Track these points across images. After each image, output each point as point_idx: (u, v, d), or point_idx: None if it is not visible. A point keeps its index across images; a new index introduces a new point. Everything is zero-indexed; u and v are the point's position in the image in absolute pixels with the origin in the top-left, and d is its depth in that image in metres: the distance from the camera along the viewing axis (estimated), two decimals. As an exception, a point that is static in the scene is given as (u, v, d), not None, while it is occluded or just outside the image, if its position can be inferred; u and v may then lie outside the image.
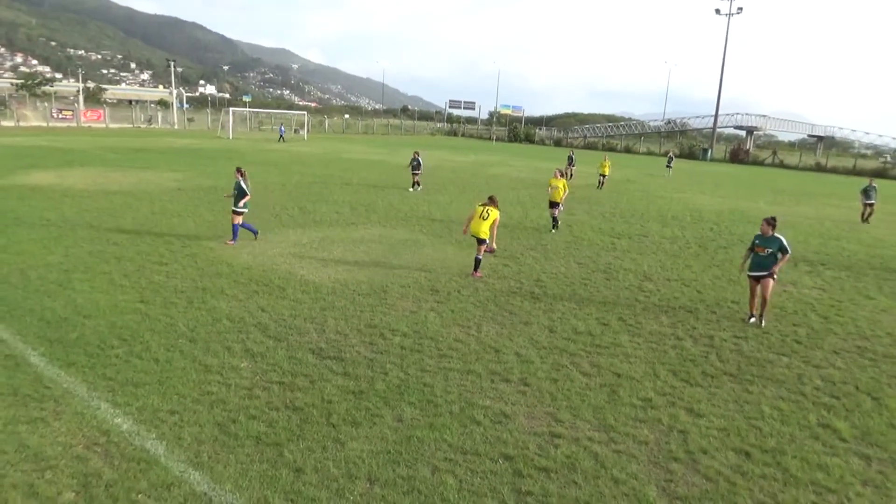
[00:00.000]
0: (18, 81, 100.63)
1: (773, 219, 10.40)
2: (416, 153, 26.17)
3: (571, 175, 34.04)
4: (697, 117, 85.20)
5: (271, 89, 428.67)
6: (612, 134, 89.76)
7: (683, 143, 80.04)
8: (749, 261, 10.55)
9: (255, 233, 14.67)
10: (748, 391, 7.79)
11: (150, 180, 24.33)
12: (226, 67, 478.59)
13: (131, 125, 72.23)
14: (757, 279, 10.32)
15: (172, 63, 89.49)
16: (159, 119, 79.00)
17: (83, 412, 6.32)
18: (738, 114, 79.61)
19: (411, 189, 25.48)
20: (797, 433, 6.78)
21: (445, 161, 42.97)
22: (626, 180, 36.96)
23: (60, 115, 67.56)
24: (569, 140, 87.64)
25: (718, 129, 78.65)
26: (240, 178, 14.34)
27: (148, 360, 7.64)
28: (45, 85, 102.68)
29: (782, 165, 66.42)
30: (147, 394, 6.78)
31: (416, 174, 25.79)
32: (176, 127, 75.36)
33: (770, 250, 10.19)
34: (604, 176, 31.23)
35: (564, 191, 18.02)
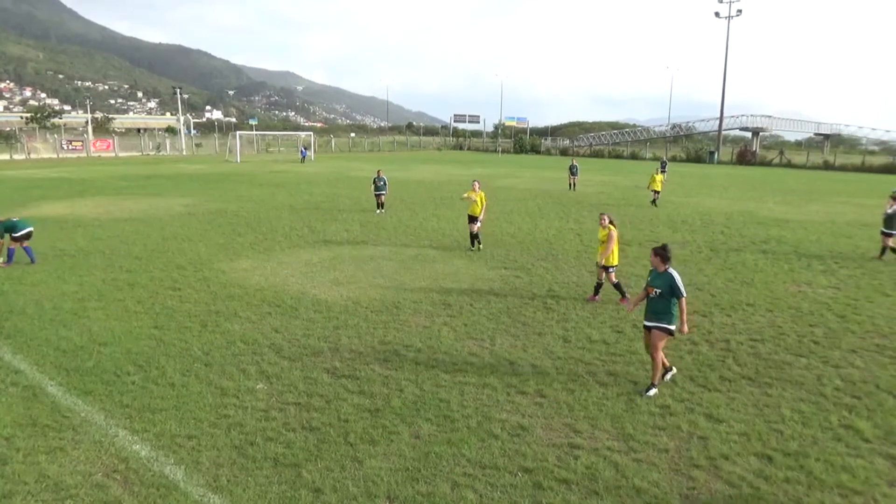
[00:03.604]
0: (28, 115, 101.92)
1: (664, 248, 7.78)
2: (380, 171, 24.27)
3: (574, 185, 33.97)
4: (702, 120, 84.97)
5: (277, 111, 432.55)
6: (617, 141, 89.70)
7: (689, 146, 79.85)
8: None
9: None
10: (767, 394, 7.70)
11: (160, 206, 24.54)
12: (231, 92, 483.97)
13: (140, 153, 73.01)
14: (648, 329, 7.82)
15: (178, 90, 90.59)
16: (168, 146, 79.77)
17: (101, 440, 6.34)
18: (743, 115, 79.35)
19: (378, 212, 23.34)
20: (819, 435, 6.69)
21: (453, 175, 43.09)
22: (635, 186, 36.88)
23: (70, 147, 68.40)
24: (574, 149, 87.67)
25: (724, 132, 78.46)
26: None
27: (164, 386, 7.66)
28: (54, 117, 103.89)
29: (790, 165, 66.11)
30: (164, 419, 6.79)
31: (381, 194, 23.69)
32: (184, 153, 76.09)
33: (659, 291, 7.62)
34: (657, 192, 27.23)
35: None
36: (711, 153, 72.06)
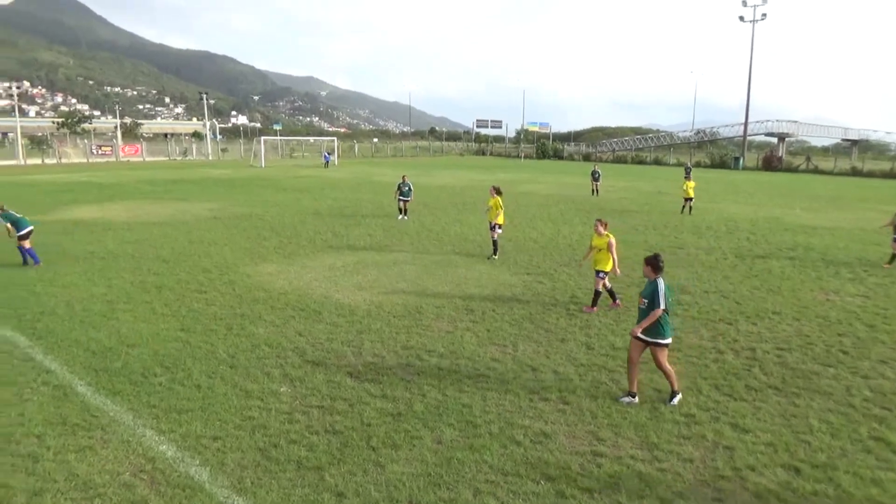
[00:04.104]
0: (59, 120, 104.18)
1: (655, 257, 7.57)
2: (405, 177, 23.91)
3: (597, 191, 33.76)
4: (727, 126, 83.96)
5: (301, 117, 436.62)
6: (640, 146, 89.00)
7: (714, 152, 78.89)
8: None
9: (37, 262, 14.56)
10: (795, 404, 7.59)
11: (186, 210, 24.91)
12: (256, 98, 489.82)
13: (167, 158, 74.18)
14: (639, 340, 7.55)
15: (205, 96, 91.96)
16: (194, 151, 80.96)
17: (129, 440, 6.45)
18: (768, 120, 78.28)
19: (400, 217, 23.05)
20: (848, 447, 6.57)
21: (475, 181, 43.11)
22: (658, 192, 36.57)
23: (100, 151, 69.76)
24: (597, 155, 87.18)
25: (749, 137, 77.40)
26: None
27: (190, 387, 7.77)
28: (84, 123, 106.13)
29: (817, 171, 64.99)
30: (190, 420, 6.89)
31: (406, 200, 23.24)
32: (210, 158, 77.14)
33: (646, 301, 7.41)
34: (689, 199, 26.29)
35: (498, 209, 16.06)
36: (736, 159, 71.17)
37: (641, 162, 79.80)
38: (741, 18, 69.23)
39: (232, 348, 9.22)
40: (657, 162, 78.84)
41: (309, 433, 6.66)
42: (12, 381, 7.88)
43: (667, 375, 7.60)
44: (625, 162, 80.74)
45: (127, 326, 10.15)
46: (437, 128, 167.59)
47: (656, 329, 7.37)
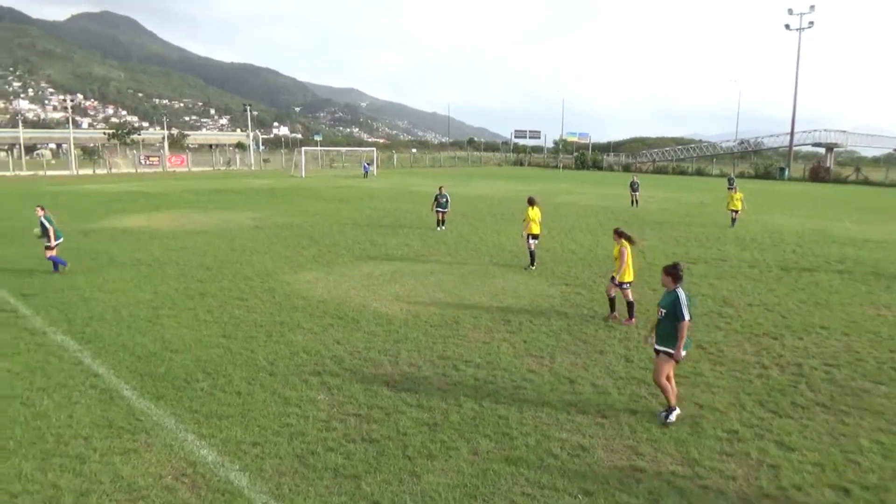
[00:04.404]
0: (110, 131, 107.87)
1: (674, 266, 7.41)
2: (442, 188, 23.94)
3: (637, 202, 33.32)
4: (772, 136, 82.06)
5: (341, 127, 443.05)
6: (682, 157, 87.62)
7: (758, 162, 77.17)
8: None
9: (64, 264, 14.96)
10: (844, 423, 7.32)
11: (229, 220, 25.46)
12: (298, 109, 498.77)
13: (212, 168, 76.00)
14: (657, 352, 7.39)
15: (248, 107, 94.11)
16: (237, 161, 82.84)
17: (172, 443, 6.59)
18: (815, 130, 76.22)
19: (438, 228, 23.02)
20: (902, 468, 6.30)
21: (513, 191, 43.02)
22: (700, 203, 35.92)
23: (148, 162, 71.91)
24: (637, 165, 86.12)
25: (795, 147, 75.50)
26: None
27: (231, 393, 7.91)
28: (133, 134, 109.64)
29: (867, 182, 62.90)
30: (230, 426, 7.01)
31: (443, 211, 23.14)
32: (253, 168, 78.77)
33: (664, 311, 7.21)
34: (735, 212, 25.39)
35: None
36: (781, 169, 69.47)
37: (683, 173, 78.53)
38: (787, 27, 67.81)
39: (271, 355, 9.36)
40: (699, 173, 77.49)
41: (346, 441, 6.71)
42: (63, 383, 8.15)
43: (662, 390, 7.32)
44: (665, 172, 79.57)
45: (171, 332, 10.40)
46: (475, 138, 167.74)
47: (672, 339, 7.14)
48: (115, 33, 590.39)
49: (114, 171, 67.52)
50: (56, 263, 14.79)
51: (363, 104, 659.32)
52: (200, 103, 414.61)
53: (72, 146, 74.71)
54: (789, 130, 72.36)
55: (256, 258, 17.10)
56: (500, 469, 6.18)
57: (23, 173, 61.06)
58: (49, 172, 61.80)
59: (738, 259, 17.91)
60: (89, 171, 65.16)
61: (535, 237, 16.03)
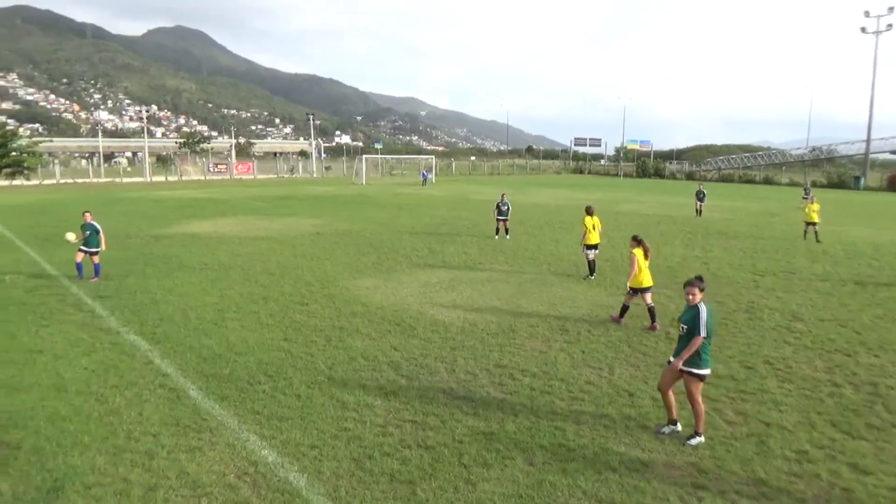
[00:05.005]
0: (181, 140, 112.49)
1: (699, 279, 7.21)
2: (503, 195, 23.55)
3: (701, 211, 32.30)
4: (846, 143, 78.39)
5: (401, 136, 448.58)
6: (749, 165, 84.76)
7: (831, 171, 73.84)
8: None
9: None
10: (925, 447, 6.90)
11: (292, 226, 26.12)
12: (359, 118, 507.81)
13: (276, 175, 78.25)
14: (680, 373, 7.07)
15: (311, 116, 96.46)
16: (300, 169, 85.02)
17: (234, 443, 6.79)
18: (893, 137, 72.45)
19: (497, 237, 22.76)
20: None
21: (571, 200, 42.54)
22: (768, 213, 34.64)
23: (216, 169, 74.68)
24: (701, 173, 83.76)
25: (872, 155, 71.93)
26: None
27: (291, 396, 8.10)
28: (203, 142, 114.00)
29: (953, 192, 59.33)
30: (290, 428, 7.17)
31: (504, 220, 22.87)
32: (315, 175, 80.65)
33: (685, 328, 7.01)
34: (812, 224, 23.59)
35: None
36: (857, 178, 66.27)
37: (750, 181, 75.97)
38: (863, 30, 64.87)
39: (330, 360, 9.53)
40: (767, 181, 74.76)
41: (402, 447, 6.76)
42: (134, 382, 8.53)
43: (696, 413, 6.98)
44: (731, 181, 77.13)
45: (235, 335, 10.73)
46: (534, 146, 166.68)
47: (694, 358, 6.87)
48: (188, 46, 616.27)
49: (184, 178, 70.39)
50: (98, 269, 15.14)
51: (423, 113, 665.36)
52: (266, 113, 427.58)
53: (146, 154, 78.35)
54: (865, 137, 69.07)
55: (317, 264, 17.47)
56: (556, 481, 6.10)
57: (101, 180, 64.36)
58: (125, 179, 64.95)
59: (808, 272, 17.17)
60: (162, 178, 68.16)
61: (593, 247, 15.81)
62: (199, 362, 9.36)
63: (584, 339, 10.71)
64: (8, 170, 56.53)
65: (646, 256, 11.52)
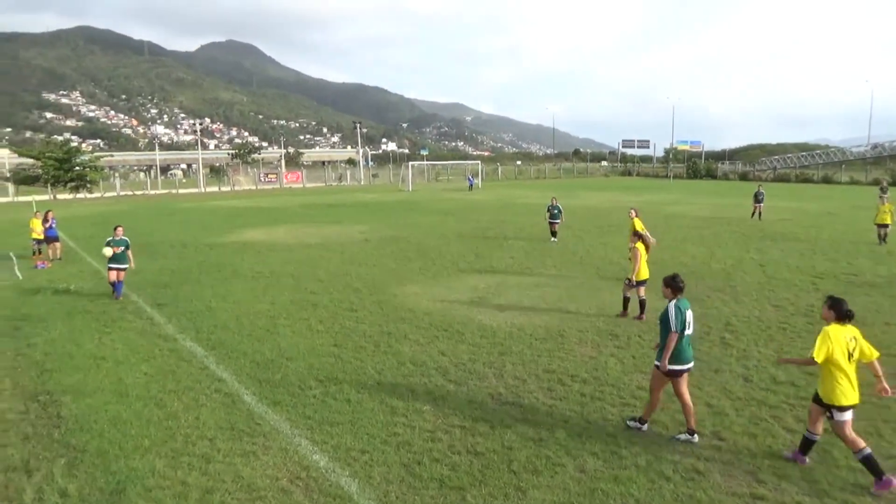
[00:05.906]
0: (233, 152, 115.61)
1: (672, 277, 7.31)
2: (554, 199, 23.78)
3: (760, 214, 31.19)
4: (912, 139, 75.03)
5: (447, 142, 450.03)
6: (806, 164, 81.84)
7: (895, 168, 70.72)
8: None
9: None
10: None
11: (340, 233, 26.50)
12: (405, 125, 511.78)
13: (324, 183, 79.56)
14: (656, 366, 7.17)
15: (358, 125, 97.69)
16: (348, 176, 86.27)
17: (287, 448, 6.91)
18: (965, 131, 68.95)
19: (554, 240, 22.86)
20: None
21: (619, 202, 41.89)
22: (827, 213, 33.40)
23: (266, 179, 76.49)
24: (755, 173, 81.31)
25: (942, 151, 68.61)
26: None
27: (341, 401, 8.20)
28: (254, 153, 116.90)
29: None
30: (341, 433, 7.26)
31: (555, 223, 23.16)
32: (362, 183, 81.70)
33: (660, 325, 7.25)
34: (884, 226, 21.87)
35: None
36: (924, 175, 63.24)
37: (807, 180, 73.40)
38: (928, 18, 61.95)
39: (379, 365, 9.62)
40: (826, 180, 72.10)
41: (451, 453, 6.76)
42: (191, 387, 8.78)
43: (684, 408, 7.08)
44: (788, 180, 74.67)
45: (286, 341, 10.94)
46: (581, 149, 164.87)
47: (672, 354, 6.93)
48: (239, 60, 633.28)
49: (236, 188, 72.27)
50: (120, 289, 14.36)
51: (468, 118, 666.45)
52: (314, 122, 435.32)
53: (200, 166, 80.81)
54: (933, 132, 65.83)
55: (365, 270, 17.67)
56: (607, 489, 6.00)
57: (158, 192, 66.64)
58: (181, 191, 67.11)
59: (872, 274, 16.47)
60: (215, 189, 70.13)
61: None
62: (253, 368, 9.57)
63: (635, 345, 10.52)
64: (72, 184, 59.27)
65: (646, 251, 12.24)
